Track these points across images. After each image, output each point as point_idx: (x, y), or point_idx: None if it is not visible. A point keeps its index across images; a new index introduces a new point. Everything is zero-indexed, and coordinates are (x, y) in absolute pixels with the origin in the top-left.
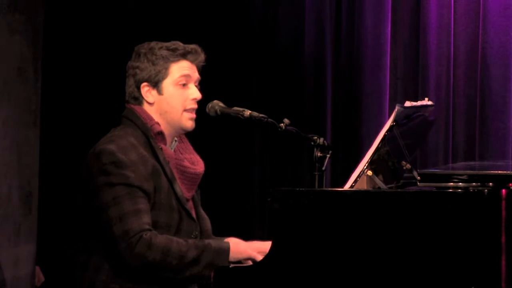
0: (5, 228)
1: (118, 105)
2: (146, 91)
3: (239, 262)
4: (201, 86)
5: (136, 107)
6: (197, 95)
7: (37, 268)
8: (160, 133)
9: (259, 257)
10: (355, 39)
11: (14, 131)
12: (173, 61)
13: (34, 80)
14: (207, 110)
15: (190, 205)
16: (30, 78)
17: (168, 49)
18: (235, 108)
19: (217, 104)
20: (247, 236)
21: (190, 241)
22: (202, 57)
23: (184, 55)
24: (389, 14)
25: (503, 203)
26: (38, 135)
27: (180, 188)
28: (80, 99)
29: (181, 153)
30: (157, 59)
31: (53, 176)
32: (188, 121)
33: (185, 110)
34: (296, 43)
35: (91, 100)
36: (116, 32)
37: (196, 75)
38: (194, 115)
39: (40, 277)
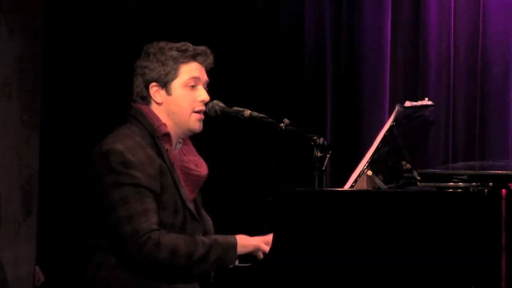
0: (5, 228)
1: (118, 105)
2: (155, 91)
3: (248, 256)
4: None
5: (143, 107)
6: (205, 97)
7: (37, 268)
8: (167, 135)
9: (267, 248)
10: (355, 39)
11: (14, 131)
12: (183, 63)
13: (34, 80)
14: (207, 110)
15: (192, 207)
16: (30, 78)
17: (178, 50)
18: (235, 108)
19: (217, 104)
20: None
21: (198, 238)
22: (211, 59)
23: (193, 57)
24: (389, 14)
25: (503, 203)
26: (38, 135)
27: (184, 189)
28: (80, 99)
29: (185, 155)
30: (166, 59)
31: (53, 176)
32: (196, 123)
33: (193, 112)
34: (296, 43)
35: (91, 99)
36: (116, 32)
37: (205, 77)
38: (202, 117)
39: (40, 277)
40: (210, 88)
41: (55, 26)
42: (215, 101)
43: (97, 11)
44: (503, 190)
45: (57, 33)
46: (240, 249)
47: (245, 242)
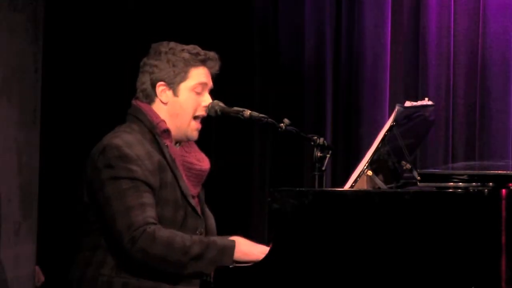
0: (5, 228)
1: (118, 104)
2: (162, 90)
3: (245, 262)
4: None
5: (142, 105)
6: (209, 102)
7: (37, 268)
8: (166, 131)
9: None
10: (355, 39)
11: (14, 131)
12: (193, 66)
13: (34, 80)
14: (207, 110)
15: (195, 202)
16: (30, 78)
17: (189, 52)
18: (235, 108)
19: (217, 104)
20: (247, 236)
21: (195, 236)
22: (218, 65)
23: (204, 61)
24: (389, 14)
25: (503, 203)
26: (38, 135)
27: (186, 184)
28: (80, 99)
29: (186, 151)
30: (177, 60)
31: (53, 176)
32: (194, 131)
33: (194, 118)
34: (296, 42)
35: (91, 99)
36: (116, 32)
37: (210, 84)
38: (200, 126)
39: (40, 277)
40: (215, 88)
41: (55, 26)
42: (215, 101)
43: (97, 11)
44: (503, 190)
45: (57, 33)
46: (238, 255)
47: (245, 249)
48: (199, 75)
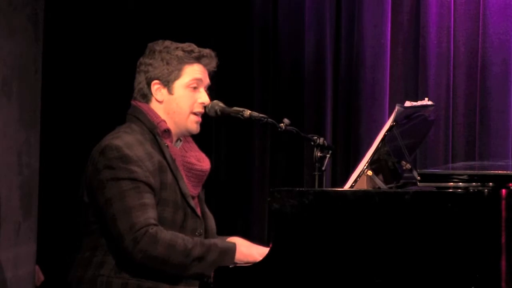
0: (5, 228)
1: (118, 104)
2: (157, 89)
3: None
4: None
5: (142, 105)
6: (206, 99)
7: (37, 268)
8: (167, 131)
9: None
10: (355, 39)
11: (14, 131)
12: (187, 63)
13: (34, 80)
14: (206, 110)
15: (195, 203)
16: (30, 78)
17: (183, 50)
18: (235, 108)
19: (217, 104)
20: (246, 236)
21: (196, 239)
22: (214, 62)
23: (198, 59)
24: (389, 14)
25: (503, 203)
26: (38, 135)
27: (186, 185)
28: (80, 99)
29: (187, 151)
30: (171, 58)
31: (53, 176)
32: (193, 124)
33: (192, 113)
34: (296, 43)
35: (91, 100)
36: (116, 32)
37: (207, 80)
38: (200, 119)
39: (40, 277)
40: (215, 89)
41: (55, 26)
42: (215, 101)
43: (97, 11)
44: (503, 190)
45: (58, 33)
46: (239, 257)
47: (245, 250)
48: (193, 72)
